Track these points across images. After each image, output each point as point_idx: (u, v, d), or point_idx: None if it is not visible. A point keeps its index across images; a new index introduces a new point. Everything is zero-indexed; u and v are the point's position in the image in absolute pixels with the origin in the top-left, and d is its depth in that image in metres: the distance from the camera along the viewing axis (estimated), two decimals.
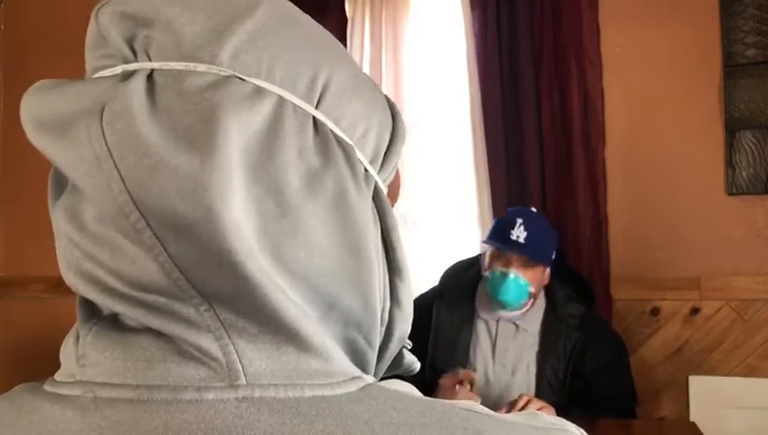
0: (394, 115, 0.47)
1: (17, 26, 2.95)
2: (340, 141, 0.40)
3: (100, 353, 0.37)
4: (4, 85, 2.92)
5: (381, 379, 0.46)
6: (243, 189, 0.35)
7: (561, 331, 1.87)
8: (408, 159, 2.49)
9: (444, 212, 2.52)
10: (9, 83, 2.95)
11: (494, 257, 1.87)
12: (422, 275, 2.46)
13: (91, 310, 0.39)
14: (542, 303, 1.93)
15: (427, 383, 1.80)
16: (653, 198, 2.30)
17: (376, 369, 0.45)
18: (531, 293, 1.85)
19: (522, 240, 1.80)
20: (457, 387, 1.70)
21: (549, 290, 1.93)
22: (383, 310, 0.43)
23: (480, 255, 1.97)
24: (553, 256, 1.89)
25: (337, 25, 2.52)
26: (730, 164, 2.23)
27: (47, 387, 0.38)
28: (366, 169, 0.42)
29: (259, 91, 0.37)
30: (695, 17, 2.28)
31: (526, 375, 1.85)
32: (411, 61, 2.51)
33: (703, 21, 2.27)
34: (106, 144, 0.34)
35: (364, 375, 0.39)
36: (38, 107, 0.38)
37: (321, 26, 0.44)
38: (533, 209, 1.96)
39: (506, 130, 2.36)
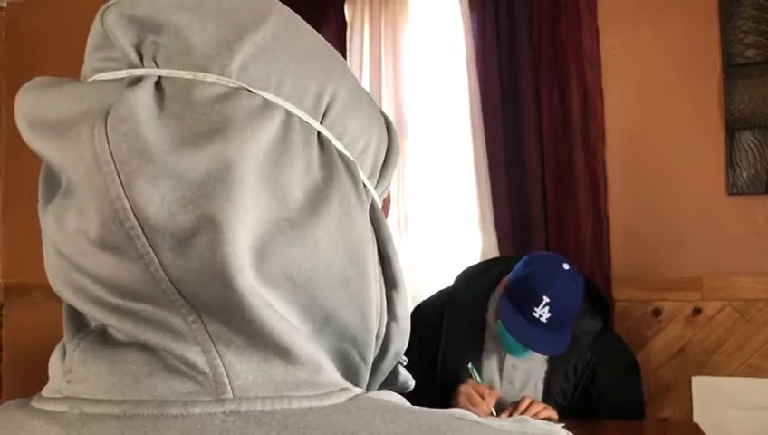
0: (389, 129, 0.47)
1: (18, 33, 2.96)
2: (342, 157, 0.40)
3: (86, 369, 0.37)
4: (6, 92, 2.93)
5: None
6: (251, 201, 0.35)
7: (572, 350, 1.76)
8: (408, 162, 2.49)
9: (444, 215, 2.52)
10: (11, 91, 2.95)
11: None
12: (422, 279, 2.46)
13: (78, 323, 0.39)
14: None
15: (438, 383, 1.77)
16: (653, 198, 2.30)
17: (369, 384, 0.44)
18: None
19: (544, 320, 1.65)
20: (476, 399, 1.66)
21: None
22: (380, 324, 0.43)
23: (494, 263, 1.90)
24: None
25: (336, 30, 2.53)
26: (730, 164, 2.23)
27: (34, 403, 0.38)
28: (364, 184, 0.42)
29: (268, 105, 0.37)
30: (694, 17, 2.28)
31: (534, 393, 1.79)
32: (411, 64, 2.51)
33: (702, 21, 2.27)
34: (109, 146, 0.34)
35: (352, 387, 0.39)
36: (35, 106, 0.37)
37: (324, 39, 0.44)
38: (566, 266, 1.71)
39: (506, 132, 2.36)
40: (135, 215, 0.34)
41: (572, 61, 2.32)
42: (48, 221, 0.37)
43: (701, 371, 2.24)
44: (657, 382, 2.24)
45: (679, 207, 2.27)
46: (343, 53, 2.51)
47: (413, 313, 2.08)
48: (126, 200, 0.34)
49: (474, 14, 2.40)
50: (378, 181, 0.45)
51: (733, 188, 2.23)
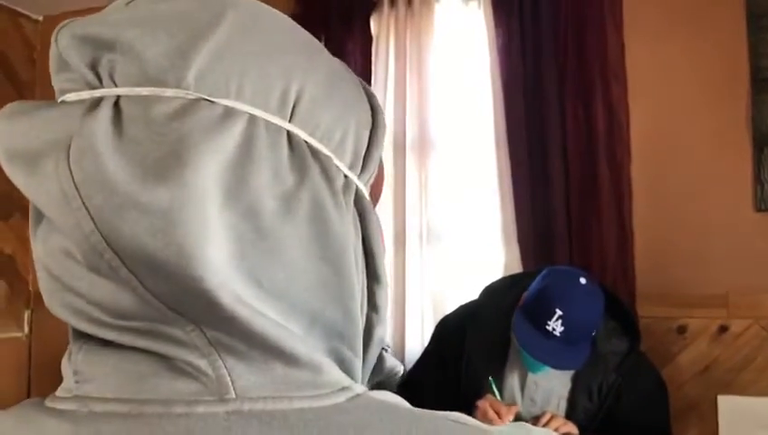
0: (373, 108, 0.45)
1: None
2: (315, 153, 0.39)
3: (93, 369, 0.38)
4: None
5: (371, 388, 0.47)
6: (216, 220, 0.34)
7: (597, 370, 1.74)
8: (432, 175, 2.50)
9: (467, 228, 2.51)
10: (46, 100, 3.02)
11: None
12: (444, 292, 2.46)
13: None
14: None
15: (460, 397, 1.75)
16: (679, 214, 2.28)
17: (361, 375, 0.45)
18: None
19: (557, 333, 1.62)
20: (491, 415, 1.63)
21: None
22: (362, 315, 0.43)
23: (520, 278, 1.86)
24: (594, 332, 1.72)
25: (362, 44, 2.55)
26: (758, 180, 2.20)
27: (48, 402, 0.39)
28: (346, 176, 0.42)
29: (229, 113, 0.36)
30: (721, 31, 2.26)
31: (556, 412, 1.76)
32: (436, 77, 2.52)
33: (730, 35, 2.25)
34: (74, 182, 0.34)
35: (353, 385, 0.39)
36: (9, 135, 0.37)
37: (293, 26, 0.42)
38: (582, 281, 1.69)
39: (530, 146, 2.35)
40: (111, 247, 0.34)
41: (598, 75, 2.31)
42: (38, 244, 0.38)
43: (727, 390, 2.20)
44: (681, 401, 2.21)
45: (706, 222, 2.24)
46: (369, 67, 2.53)
47: (437, 327, 2.08)
48: (99, 235, 0.34)
49: (499, 29, 2.41)
50: (362, 168, 0.43)
51: (761, 204, 2.19)
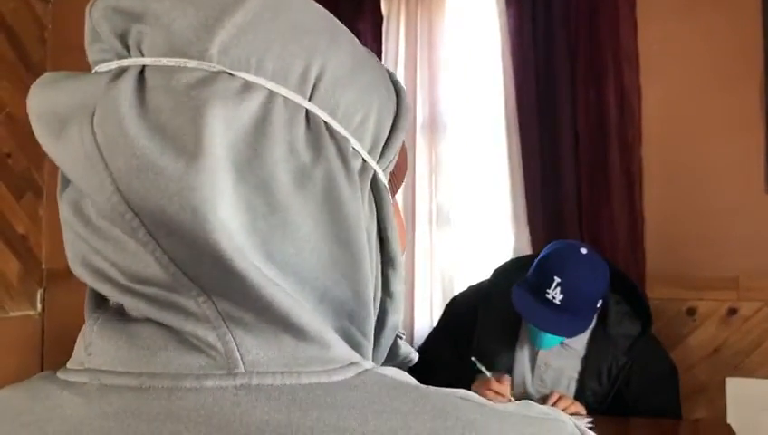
0: (398, 92, 0.46)
1: (64, 27, 3.03)
2: (333, 134, 0.40)
3: (105, 342, 0.38)
4: None
5: None
6: (230, 189, 0.35)
7: (607, 353, 1.75)
8: (443, 157, 2.49)
9: (477, 210, 2.51)
10: None
11: None
12: (455, 273, 2.47)
13: (98, 300, 0.41)
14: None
15: (469, 377, 1.76)
16: (690, 196, 2.27)
17: (373, 359, 0.45)
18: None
19: (557, 301, 1.65)
20: (490, 396, 1.63)
21: (602, 306, 1.76)
22: (375, 300, 0.43)
23: (531, 259, 1.86)
24: (599, 304, 1.73)
25: (372, 24, 2.54)
26: None
27: (60, 374, 0.40)
28: (364, 160, 0.42)
29: (248, 87, 0.37)
30: (736, 12, 2.23)
31: (565, 392, 1.77)
32: (446, 59, 2.51)
33: (744, 16, 2.22)
34: (97, 145, 0.35)
35: (362, 361, 0.39)
36: (39, 102, 0.39)
37: (318, 7, 0.43)
38: (583, 250, 1.72)
39: (541, 128, 2.35)
40: (131, 208, 0.35)
41: (610, 56, 2.29)
42: (64, 206, 0.39)
43: (736, 372, 2.20)
44: (690, 382, 2.21)
45: (716, 205, 2.24)
46: (379, 47, 2.52)
47: (448, 305, 2.09)
48: (120, 195, 0.35)
49: (510, 10, 2.39)
50: (382, 154, 0.44)
51: None
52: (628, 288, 1.85)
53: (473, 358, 1.76)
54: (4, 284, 2.83)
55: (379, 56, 2.51)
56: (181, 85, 0.36)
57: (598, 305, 1.72)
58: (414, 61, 2.50)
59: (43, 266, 2.99)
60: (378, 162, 0.43)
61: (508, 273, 1.92)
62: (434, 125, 2.50)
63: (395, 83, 0.46)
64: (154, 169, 0.34)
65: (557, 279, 1.65)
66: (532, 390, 1.82)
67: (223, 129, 0.35)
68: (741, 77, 2.22)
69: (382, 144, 0.44)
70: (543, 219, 2.33)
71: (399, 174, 0.48)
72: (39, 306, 2.98)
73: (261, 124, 0.37)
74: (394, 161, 0.46)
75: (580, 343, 1.79)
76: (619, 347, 1.77)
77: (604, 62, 2.29)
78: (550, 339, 1.71)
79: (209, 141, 0.35)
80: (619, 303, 1.82)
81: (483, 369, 1.75)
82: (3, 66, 2.82)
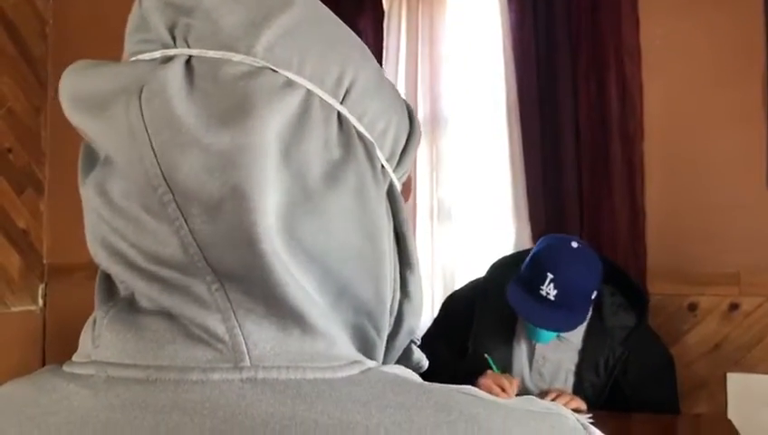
0: (411, 118, 0.48)
1: (65, 21, 3.03)
2: (361, 136, 0.42)
3: (113, 335, 0.39)
4: (54, 77, 3.00)
5: None
6: (272, 171, 0.37)
7: (604, 344, 1.76)
8: (444, 151, 2.49)
9: (478, 205, 2.51)
10: (58, 75, 3.02)
11: None
12: (455, 268, 2.47)
13: (108, 293, 0.42)
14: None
15: (467, 371, 1.76)
16: (692, 191, 2.26)
17: (385, 360, 0.46)
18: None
19: (552, 297, 1.65)
20: (496, 391, 1.64)
21: (596, 299, 1.76)
22: (393, 300, 0.44)
23: (528, 254, 1.86)
24: (593, 297, 1.73)
25: (374, 20, 2.53)
26: None
27: (65, 367, 0.40)
28: (383, 166, 0.44)
29: (290, 84, 0.39)
30: (737, 7, 2.23)
31: (563, 386, 1.79)
32: (448, 54, 2.50)
33: (746, 10, 2.22)
34: (143, 118, 0.37)
35: (366, 360, 0.40)
36: (77, 85, 0.40)
37: (349, 29, 0.46)
38: (574, 245, 1.73)
39: (542, 122, 2.34)
40: (167, 182, 0.37)
41: (611, 51, 2.28)
42: (88, 191, 0.40)
43: (736, 367, 2.20)
44: (691, 378, 2.22)
45: (718, 200, 2.23)
46: (380, 43, 2.52)
47: (445, 301, 2.10)
48: (159, 168, 0.36)
49: (511, 4, 2.38)
50: (397, 164, 0.46)
51: None
52: (621, 279, 1.85)
53: (486, 355, 1.76)
54: (6, 279, 2.83)
55: (381, 52, 2.52)
56: (228, 75, 0.38)
57: (592, 298, 1.73)
58: (415, 56, 2.50)
59: (45, 261, 2.99)
60: (393, 172, 0.46)
61: (504, 268, 1.93)
62: (435, 120, 2.50)
63: (409, 109, 0.49)
64: (199, 144, 0.36)
65: (550, 275, 1.65)
66: (530, 384, 1.83)
67: (271, 116, 0.37)
68: (742, 72, 2.22)
69: (398, 157, 0.46)
70: (545, 214, 2.33)
71: (405, 192, 0.49)
72: (40, 301, 2.98)
73: (302, 118, 0.39)
74: (406, 176, 0.48)
75: (576, 335, 1.80)
76: (615, 338, 1.77)
77: (606, 56, 2.29)
78: (546, 333, 1.72)
79: (258, 123, 0.36)
80: (614, 294, 1.82)
81: (494, 366, 1.75)
82: (4, 61, 2.82)
